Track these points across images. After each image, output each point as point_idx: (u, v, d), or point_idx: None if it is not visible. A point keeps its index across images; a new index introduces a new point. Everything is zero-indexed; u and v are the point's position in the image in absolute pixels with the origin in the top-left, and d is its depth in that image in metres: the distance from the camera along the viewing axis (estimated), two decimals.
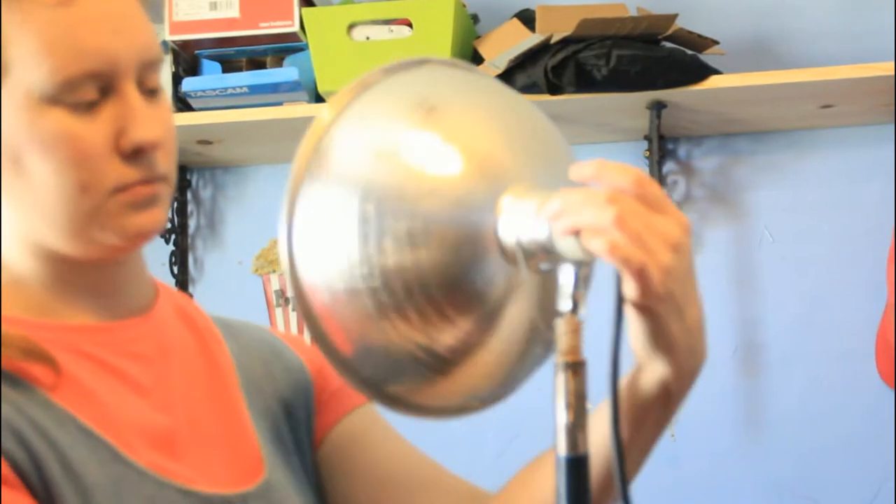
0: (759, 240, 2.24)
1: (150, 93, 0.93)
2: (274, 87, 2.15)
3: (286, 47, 2.21)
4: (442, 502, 1.05)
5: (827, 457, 2.18)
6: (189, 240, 2.44)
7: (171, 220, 2.40)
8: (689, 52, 2.05)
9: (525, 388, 0.91)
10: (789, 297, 2.22)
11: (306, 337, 2.25)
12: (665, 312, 0.80)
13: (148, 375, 0.96)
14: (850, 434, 2.18)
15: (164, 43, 2.18)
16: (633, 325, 0.82)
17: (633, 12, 2.10)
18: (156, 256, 2.34)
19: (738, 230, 2.25)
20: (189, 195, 2.44)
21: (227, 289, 2.40)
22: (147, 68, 0.92)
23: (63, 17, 0.88)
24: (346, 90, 0.86)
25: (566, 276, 0.80)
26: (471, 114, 0.86)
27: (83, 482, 0.87)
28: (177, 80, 2.19)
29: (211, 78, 2.19)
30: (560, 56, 1.99)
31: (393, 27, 2.11)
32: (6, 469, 0.84)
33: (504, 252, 0.81)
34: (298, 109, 2.13)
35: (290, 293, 2.37)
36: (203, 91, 2.17)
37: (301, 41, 2.18)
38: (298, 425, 1.06)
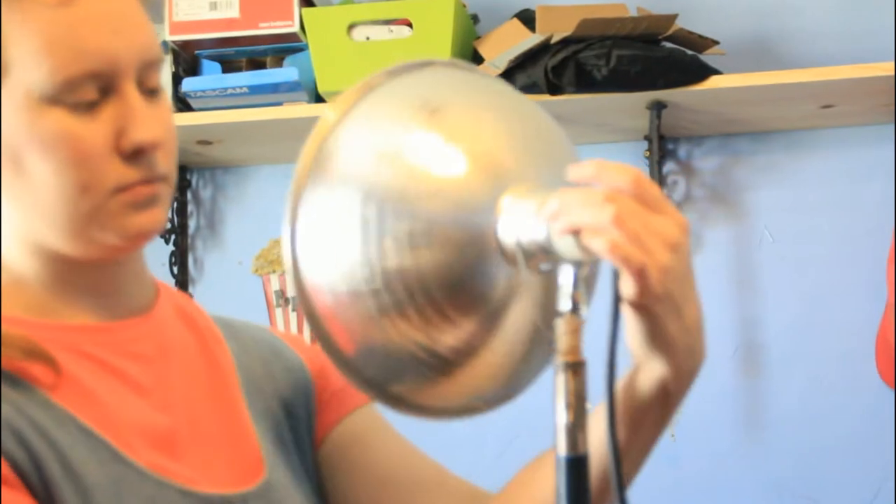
0: (759, 240, 2.24)
1: (151, 93, 0.93)
2: (274, 88, 2.15)
3: (286, 47, 2.21)
4: (442, 502, 1.05)
5: (827, 457, 2.18)
6: (189, 240, 2.44)
7: (171, 221, 2.40)
8: (689, 52, 2.05)
9: None
10: (789, 297, 2.22)
11: (306, 336, 2.25)
12: (663, 312, 0.80)
13: (148, 375, 0.96)
14: (850, 434, 2.18)
15: (164, 43, 2.18)
16: (631, 325, 0.82)
17: (633, 12, 2.10)
18: (156, 256, 2.34)
19: (738, 230, 2.25)
20: (189, 195, 2.44)
21: (226, 289, 2.40)
22: (147, 68, 0.92)
23: (63, 17, 0.88)
24: (350, 92, 0.86)
25: (566, 277, 0.80)
26: (474, 115, 0.86)
27: (83, 482, 0.87)
28: (177, 80, 2.19)
29: (211, 78, 2.19)
30: (560, 56, 1.99)
31: (393, 27, 2.11)
32: (6, 469, 0.84)
33: (504, 252, 0.81)
34: (298, 109, 2.13)
35: (291, 293, 2.37)
36: (203, 91, 2.17)
37: (301, 41, 2.18)
38: (299, 425, 1.06)
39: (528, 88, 2.00)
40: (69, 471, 0.87)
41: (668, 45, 2.07)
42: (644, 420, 0.89)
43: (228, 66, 2.24)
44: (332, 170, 0.83)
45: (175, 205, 2.40)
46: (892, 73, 1.96)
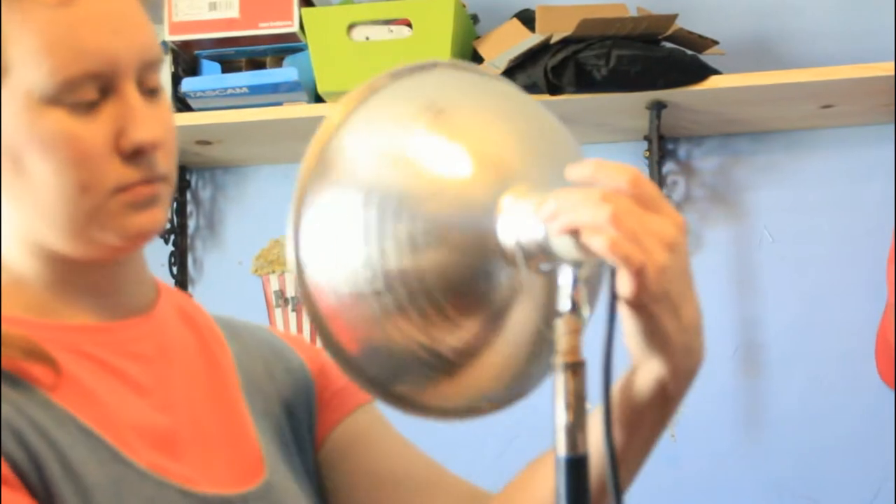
0: (759, 240, 2.24)
1: (151, 92, 0.93)
2: (273, 88, 2.15)
3: (286, 47, 2.21)
4: (443, 502, 1.05)
5: (827, 457, 2.18)
6: (188, 240, 2.44)
7: (171, 221, 2.40)
8: (689, 52, 2.05)
9: None
10: (789, 297, 2.22)
11: (306, 336, 2.25)
12: (660, 312, 0.80)
13: (148, 375, 0.96)
14: (850, 434, 2.18)
15: (164, 43, 2.18)
16: (628, 324, 0.82)
17: (633, 12, 2.10)
18: (155, 257, 2.34)
19: (738, 230, 2.25)
20: (188, 195, 2.44)
21: (226, 289, 2.40)
22: (147, 68, 0.92)
23: (63, 17, 0.88)
24: (354, 94, 0.86)
25: (565, 277, 0.80)
26: (479, 116, 0.86)
27: (83, 482, 0.87)
28: (176, 80, 2.19)
29: (210, 78, 2.19)
30: (560, 56, 1.99)
31: (393, 27, 2.11)
32: (6, 469, 0.84)
33: (503, 253, 0.81)
34: (298, 110, 2.13)
35: (291, 293, 2.37)
36: (202, 91, 2.17)
37: (301, 41, 2.18)
38: (299, 425, 1.06)
39: (528, 88, 1.99)
40: (69, 471, 0.87)
41: (668, 45, 2.07)
42: (643, 420, 0.89)
43: (228, 66, 2.24)
44: (335, 171, 0.83)
45: (174, 205, 2.40)
46: (892, 73, 1.96)
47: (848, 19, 2.21)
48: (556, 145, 0.89)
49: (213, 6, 2.19)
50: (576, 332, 0.78)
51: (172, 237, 2.40)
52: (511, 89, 0.92)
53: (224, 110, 2.16)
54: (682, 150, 2.28)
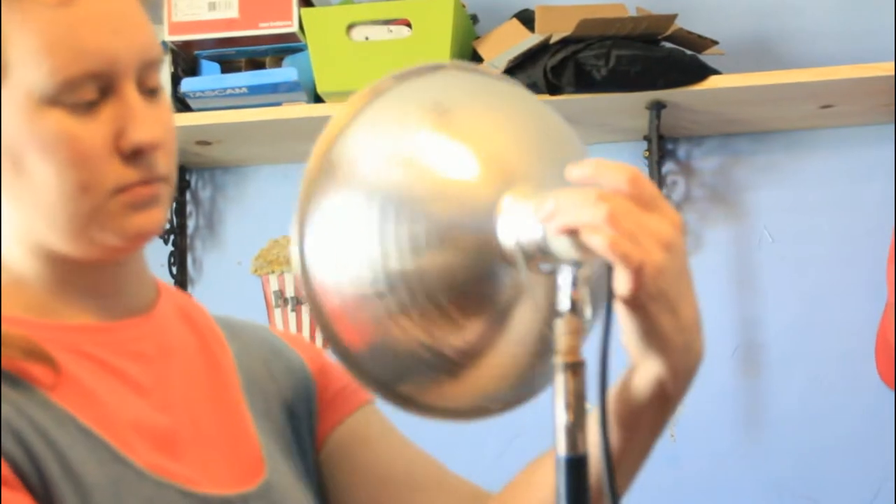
0: (759, 240, 2.24)
1: (151, 92, 0.93)
2: (273, 88, 2.15)
3: (285, 47, 2.21)
4: (444, 502, 1.05)
5: (827, 457, 2.18)
6: (188, 240, 2.44)
7: (170, 221, 2.40)
8: (689, 52, 2.05)
9: None
10: (789, 297, 2.22)
11: (305, 335, 2.25)
12: (656, 310, 0.80)
13: (148, 375, 0.96)
14: (850, 434, 2.18)
15: (164, 43, 2.18)
16: (625, 323, 0.82)
17: (632, 12, 2.10)
18: (155, 257, 2.34)
19: (738, 230, 2.25)
20: (188, 196, 2.44)
21: (226, 289, 2.40)
22: (147, 68, 0.92)
23: (63, 18, 0.88)
24: (359, 96, 0.86)
25: (564, 277, 0.80)
26: (484, 118, 0.86)
27: (83, 482, 0.87)
28: (176, 80, 2.19)
29: (210, 78, 2.19)
30: (559, 56, 1.99)
31: (392, 27, 2.11)
32: (6, 469, 0.84)
33: (503, 254, 0.81)
34: (297, 110, 2.13)
35: (290, 293, 2.37)
36: (202, 91, 2.17)
37: (300, 41, 2.18)
38: (300, 425, 1.06)
39: (528, 88, 1.99)
40: (68, 471, 0.87)
41: (668, 45, 2.07)
42: (641, 420, 0.88)
43: (228, 66, 2.24)
44: (341, 172, 0.83)
45: (174, 205, 2.40)
46: (892, 73, 1.96)
47: (848, 19, 2.21)
48: (562, 146, 0.89)
49: (212, 6, 2.19)
50: (575, 331, 0.78)
51: (172, 237, 2.40)
52: (517, 90, 0.92)
53: (224, 110, 2.16)
54: (681, 150, 2.28)
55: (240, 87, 2.16)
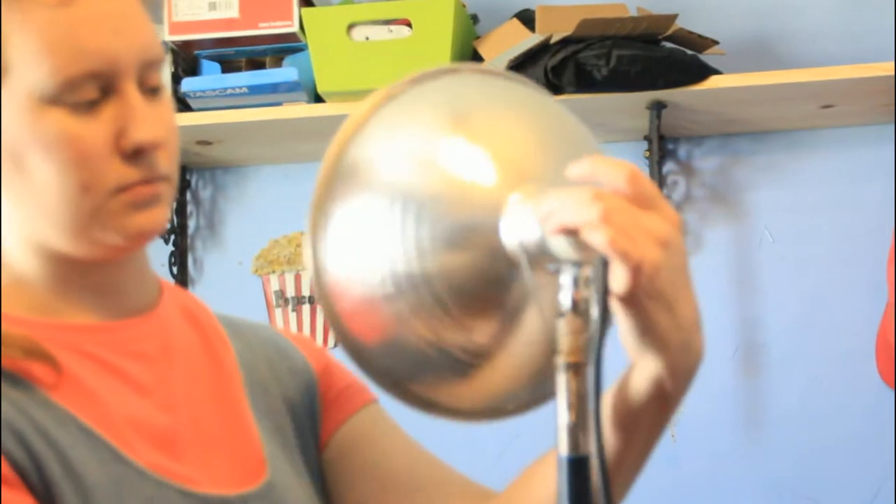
0: (759, 240, 2.24)
1: (152, 91, 0.93)
2: (273, 88, 2.15)
3: (285, 47, 2.21)
4: (448, 501, 1.05)
5: (827, 457, 2.18)
6: (189, 240, 2.44)
7: (171, 221, 2.40)
8: (689, 52, 2.05)
9: None
10: (789, 297, 2.22)
11: (306, 333, 2.25)
12: (654, 308, 0.80)
13: (150, 375, 0.96)
14: (850, 434, 2.18)
15: (164, 43, 2.18)
16: (622, 321, 0.82)
17: (633, 12, 2.10)
18: (155, 257, 2.34)
19: (738, 230, 2.25)
20: (189, 195, 2.44)
21: (226, 289, 2.40)
22: (148, 68, 0.92)
23: (63, 17, 0.88)
24: (372, 99, 0.86)
25: (565, 277, 0.79)
26: (499, 120, 0.86)
27: (83, 482, 0.87)
28: (176, 80, 2.19)
29: (210, 78, 2.19)
30: (560, 56, 1.99)
31: (392, 27, 2.11)
32: (6, 469, 0.84)
33: (507, 254, 0.81)
34: (298, 110, 2.13)
35: (291, 293, 2.37)
36: (202, 91, 2.17)
37: (300, 41, 2.18)
38: (303, 425, 1.06)
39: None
40: (69, 471, 0.86)
41: (668, 45, 2.07)
42: (640, 419, 0.88)
43: (228, 66, 2.24)
44: (355, 173, 0.84)
45: (175, 205, 2.40)
46: (892, 73, 1.96)
47: (848, 19, 2.21)
48: (578, 146, 0.90)
49: (212, 6, 2.19)
50: (577, 331, 0.78)
51: (172, 237, 2.40)
52: (533, 91, 0.92)
53: (224, 110, 2.16)
54: (682, 150, 2.28)
55: (240, 87, 2.16)
